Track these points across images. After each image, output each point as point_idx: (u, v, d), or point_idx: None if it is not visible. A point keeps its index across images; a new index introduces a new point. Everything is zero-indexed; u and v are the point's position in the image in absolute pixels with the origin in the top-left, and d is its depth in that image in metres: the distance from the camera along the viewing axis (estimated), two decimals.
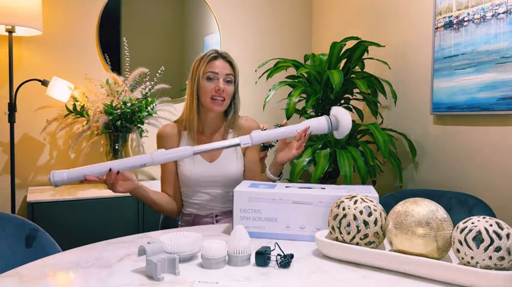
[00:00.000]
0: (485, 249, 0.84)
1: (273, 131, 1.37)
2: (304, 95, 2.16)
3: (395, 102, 2.13)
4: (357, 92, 2.19)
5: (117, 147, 2.26)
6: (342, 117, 1.36)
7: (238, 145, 1.34)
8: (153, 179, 2.57)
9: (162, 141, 1.53)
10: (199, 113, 1.51)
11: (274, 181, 1.48)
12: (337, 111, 1.38)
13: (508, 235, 0.85)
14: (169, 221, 1.73)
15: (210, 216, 1.51)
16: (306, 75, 2.20)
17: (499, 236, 0.84)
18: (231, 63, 1.49)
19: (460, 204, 1.60)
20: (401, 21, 2.19)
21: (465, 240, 0.87)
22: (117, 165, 1.30)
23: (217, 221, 1.50)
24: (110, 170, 1.28)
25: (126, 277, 0.92)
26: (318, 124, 1.37)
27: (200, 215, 1.51)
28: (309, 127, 1.37)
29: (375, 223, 0.99)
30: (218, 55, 1.49)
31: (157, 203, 1.48)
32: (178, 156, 1.33)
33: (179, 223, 1.58)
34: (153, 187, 1.53)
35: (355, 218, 1.00)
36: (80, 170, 1.28)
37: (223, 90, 1.45)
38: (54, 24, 2.34)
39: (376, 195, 1.17)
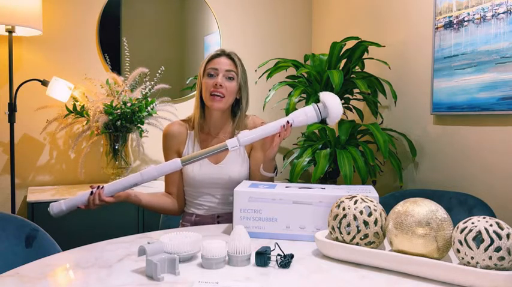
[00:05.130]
0: (486, 249, 0.84)
1: (259, 129, 1.33)
2: (304, 95, 2.15)
3: (395, 102, 2.13)
4: (357, 92, 2.19)
5: (117, 147, 2.26)
6: (330, 103, 1.31)
7: (226, 148, 1.30)
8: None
9: (168, 140, 1.53)
10: (204, 113, 1.52)
11: (271, 178, 1.47)
12: (324, 96, 1.33)
13: (508, 235, 0.85)
14: (170, 221, 1.73)
15: (212, 217, 1.51)
16: (306, 75, 2.20)
17: (499, 236, 0.84)
18: (233, 61, 1.48)
19: (460, 204, 1.60)
20: (401, 21, 2.19)
21: (465, 240, 0.87)
22: (109, 186, 1.32)
23: (218, 223, 1.50)
24: (99, 187, 1.30)
25: (126, 277, 0.92)
26: (304, 115, 1.32)
27: (202, 215, 1.51)
28: (292, 121, 1.32)
29: (375, 223, 0.99)
30: (221, 53, 1.49)
31: (153, 206, 1.48)
32: (169, 170, 1.33)
33: (180, 221, 1.58)
34: (153, 187, 1.53)
35: (355, 218, 1.00)
36: (75, 199, 1.31)
37: (222, 86, 1.43)
38: (54, 24, 2.34)
39: (376, 195, 1.17)
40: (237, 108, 1.54)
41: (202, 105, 1.51)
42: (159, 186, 2.20)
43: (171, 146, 1.53)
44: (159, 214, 1.68)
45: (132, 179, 1.31)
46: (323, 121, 1.38)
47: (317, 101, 1.39)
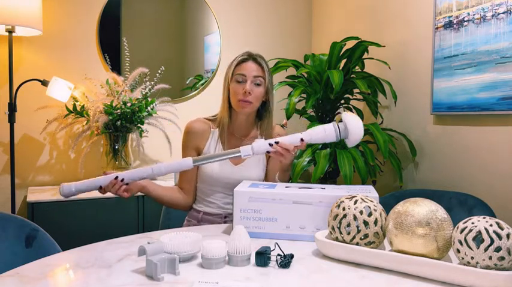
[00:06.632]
0: (486, 249, 0.84)
1: (276, 140, 1.30)
2: (304, 95, 2.16)
3: (395, 102, 2.13)
4: (357, 92, 2.19)
5: (117, 147, 2.26)
6: (351, 125, 1.25)
7: (240, 155, 1.29)
8: (154, 179, 2.57)
9: (188, 136, 1.53)
10: (231, 115, 1.53)
11: None
12: (346, 117, 1.27)
13: (508, 235, 0.85)
14: (170, 221, 1.73)
15: (220, 216, 1.51)
16: (306, 75, 2.20)
17: (499, 236, 0.84)
18: (261, 65, 1.48)
19: (460, 204, 1.60)
20: (401, 22, 2.19)
21: (465, 240, 0.87)
22: (122, 175, 1.32)
23: (225, 222, 1.50)
24: (117, 177, 1.30)
25: (126, 277, 0.92)
26: (323, 131, 1.28)
27: (210, 213, 1.52)
28: (310, 138, 1.29)
29: (375, 223, 0.99)
30: (248, 57, 1.49)
31: (164, 200, 1.50)
32: (179, 168, 1.32)
33: (186, 217, 1.58)
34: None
35: (355, 218, 1.00)
36: (87, 182, 1.31)
37: (250, 93, 1.44)
38: (54, 24, 2.34)
39: (376, 195, 1.17)
40: (263, 110, 1.55)
41: (229, 107, 1.52)
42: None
43: (190, 143, 1.54)
44: (169, 207, 1.69)
45: (143, 173, 1.32)
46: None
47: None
